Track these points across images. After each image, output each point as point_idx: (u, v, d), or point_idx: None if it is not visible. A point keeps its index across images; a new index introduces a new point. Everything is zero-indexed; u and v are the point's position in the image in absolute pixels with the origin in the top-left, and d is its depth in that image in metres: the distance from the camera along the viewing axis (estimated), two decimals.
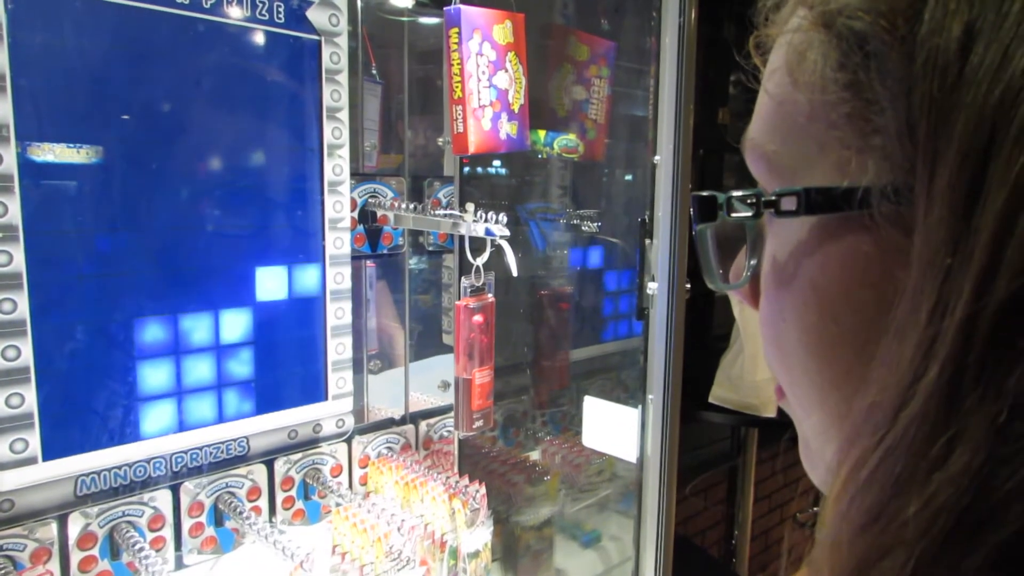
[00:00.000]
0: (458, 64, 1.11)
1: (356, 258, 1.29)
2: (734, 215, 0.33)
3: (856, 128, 0.28)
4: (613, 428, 1.19)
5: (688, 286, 1.03)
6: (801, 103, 0.30)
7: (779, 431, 3.05)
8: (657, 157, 1.01)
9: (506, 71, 1.17)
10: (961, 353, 0.22)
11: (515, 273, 1.10)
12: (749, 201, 0.32)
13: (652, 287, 1.03)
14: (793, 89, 0.31)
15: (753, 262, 0.35)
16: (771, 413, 2.05)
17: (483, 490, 1.23)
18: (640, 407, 1.10)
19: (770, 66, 0.33)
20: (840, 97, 0.28)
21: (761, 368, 2.02)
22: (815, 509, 3.00)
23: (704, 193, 0.34)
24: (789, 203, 0.30)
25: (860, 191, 0.27)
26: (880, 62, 0.26)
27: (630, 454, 1.13)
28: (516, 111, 1.20)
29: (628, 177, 1.61)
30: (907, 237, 0.26)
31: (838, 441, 0.31)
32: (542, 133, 1.36)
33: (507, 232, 1.11)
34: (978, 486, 0.22)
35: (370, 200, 1.33)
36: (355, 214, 1.29)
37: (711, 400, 2.15)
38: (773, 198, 0.31)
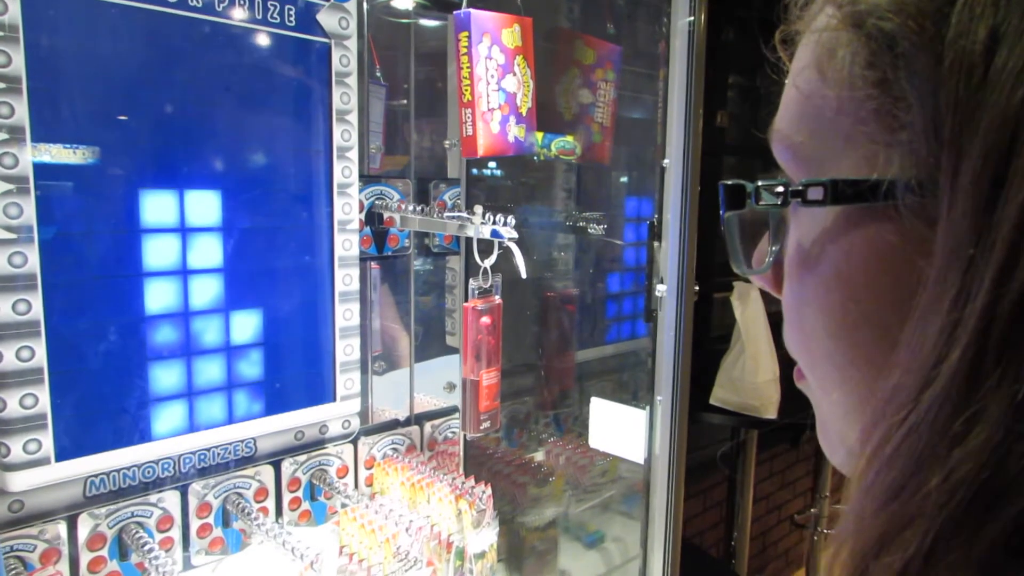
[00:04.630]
0: (468, 67, 1.11)
1: (363, 259, 1.29)
2: (762, 203, 0.34)
3: (883, 124, 0.29)
4: (620, 429, 1.19)
5: (696, 288, 1.04)
6: (829, 98, 0.31)
7: (779, 433, 3.07)
8: (666, 160, 1.02)
9: (514, 75, 1.18)
10: (982, 337, 0.24)
11: (523, 275, 1.11)
12: (777, 190, 0.33)
13: (661, 289, 1.04)
14: (822, 85, 0.32)
15: (775, 248, 0.36)
16: (771, 415, 2.06)
17: (489, 491, 1.24)
18: (648, 408, 1.11)
19: (798, 62, 0.34)
20: (868, 94, 0.29)
21: (762, 370, 2.03)
22: (813, 510, 3.01)
23: (733, 182, 0.35)
24: (816, 193, 0.31)
25: (886, 184, 0.28)
26: (908, 62, 0.27)
27: (637, 455, 1.14)
28: (524, 114, 1.21)
29: (627, 180, 1.62)
30: (930, 228, 0.27)
31: (860, 421, 0.33)
32: (540, 135, 1.37)
33: (515, 234, 1.12)
34: (996, 461, 0.23)
35: (377, 202, 1.33)
36: (362, 216, 1.30)
37: (712, 401, 2.16)
38: (800, 188, 0.32)
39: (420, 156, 1.47)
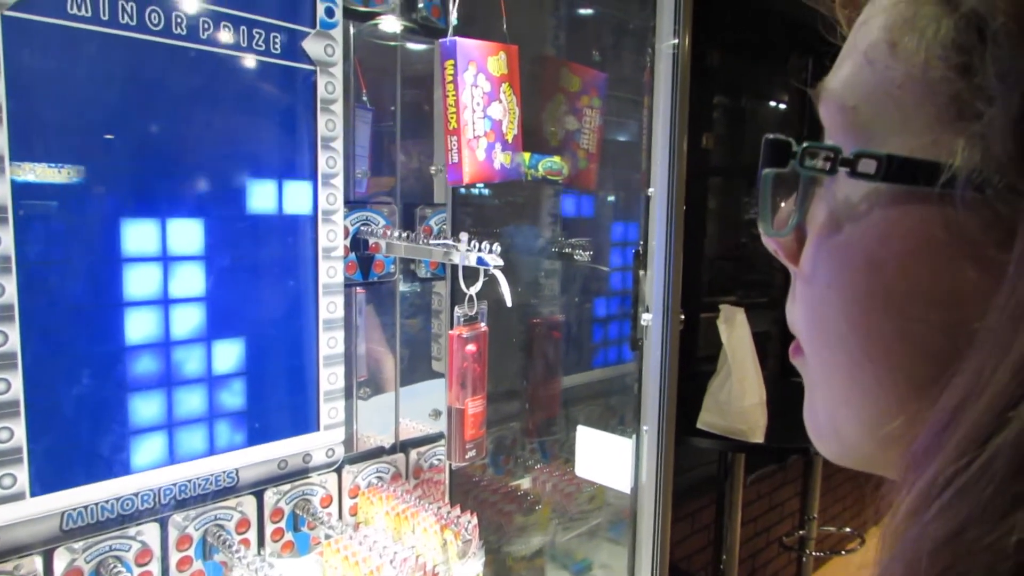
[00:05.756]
0: (453, 95, 1.11)
1: (348, 286, 1.28)
2: (807, 166, 0.32)
3: (956, 110, 0.27)
4: (606, 458, 1.19)
5: (682, 317, 1.03)
6: (896, 71, 0.29)
7: (767, 455, 3.06)
8: (651, 189, 1.02)
9: (500, 102, 1.18)
10: None
11: (509, 303, 1.11)
12: (826, 156, 0.31)
13: (646, 318, 1.04)
14: (890, 54, 0.29)
15: (798, 216, 0.34)
16: (759, 439, 2.06)
17: (475, 520, 1.22)
18: (634, 436, 1.10)
19: (866, 23, 0.32)
20: (945, 76, 0.27)
21: (748, 394, 2.03)
22: (801, 532, 3.00)
23: (778, 137, 0.33)
24: (868, 166, 0.29)
25: (948, 171, 0.26)
26: (1003, 55, 0.25)
27: (624, 484, 1.13)
28: (510, 141, 1.21)
29: (614, 204, 1.62)
30: (982, 231, 0.26)
31: (864, 415, 0.32)
32: (527, 156, 1.37)
33: (501, 262, 1.11)
34: None
35: (362, 228, 1.33)
36: (347, 242, 1.29)
37: (699, 425, 2.15)
38: (851, 157, 0.30)
39: (407, 178, 1.47)
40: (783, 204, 0.35)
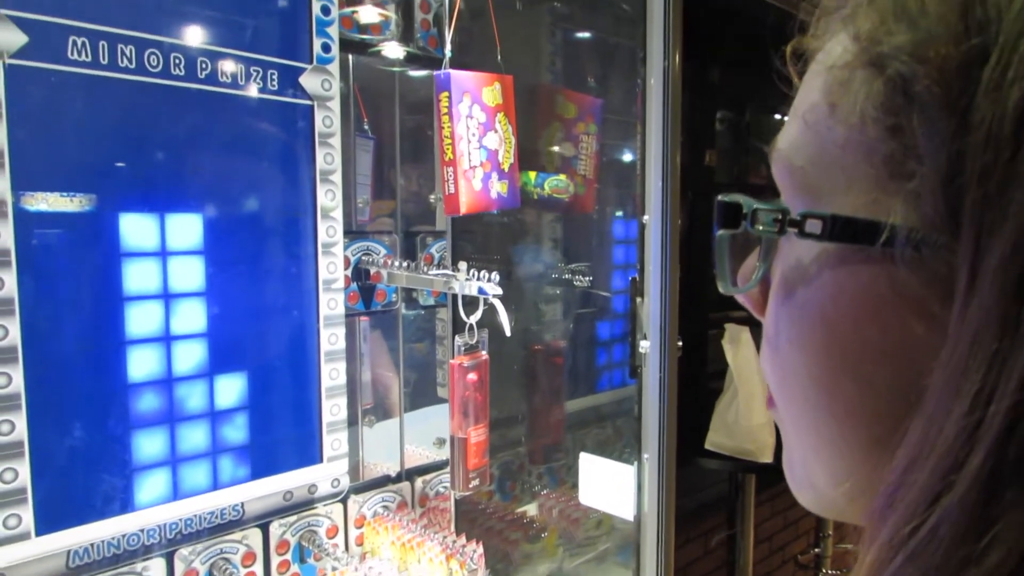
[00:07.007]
0: (448, 127, 1.13)
1: (350, 316, 1.29)
2: (757, 227, 0.33)
3: (891, 170, 0.27)
4: (609, 485, 1.18)
5: (680, 343, 1.03)
6: (837, 132, 0.30)
7: (777, 475, 3.03)
8: (646, 217, 1.02)
9: (496, 131, 1.19)
10: (1003, 445, 0.22)
11: (508, 332, 1.11)
12: (774, 217, 0.32)
13: (644, 345, 1.04)
14: (830, 117, 0.30)
15: (763, 269, 0.34)
16: (768, 459, 2.04)
17: (480, 549, 1.22)
18: (636, 464, 1.10)
19: (807, 88, 0.33)
20: (879, 137, 0.28)
21: (756, 413, 2.02)
22: (816, 550, 2.97)
23: (729, 199, 0.33)
24: (814, 226, 0.30)
25: (885, 230, 0.27)
26: (928, 116, 0.25)
27: (627, 512, 1.13)
28: (506, 170, 1.22)
29: (614, 227, 1.63)
30: (925, 287, 0.26)
31: (831, 469, 0.32)
32: (533, 175, 1.39)
33: (500, 291, 1.12)
34: None
35: (363, 258, 1.34)
36: (348, 272, 1.30)
37: (707, 446, 2.14)
38: (798, 219, 0.30)
39: (408, 203, 1.48)
40: (751, 257, 0.36)
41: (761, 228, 0.32)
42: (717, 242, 0.35)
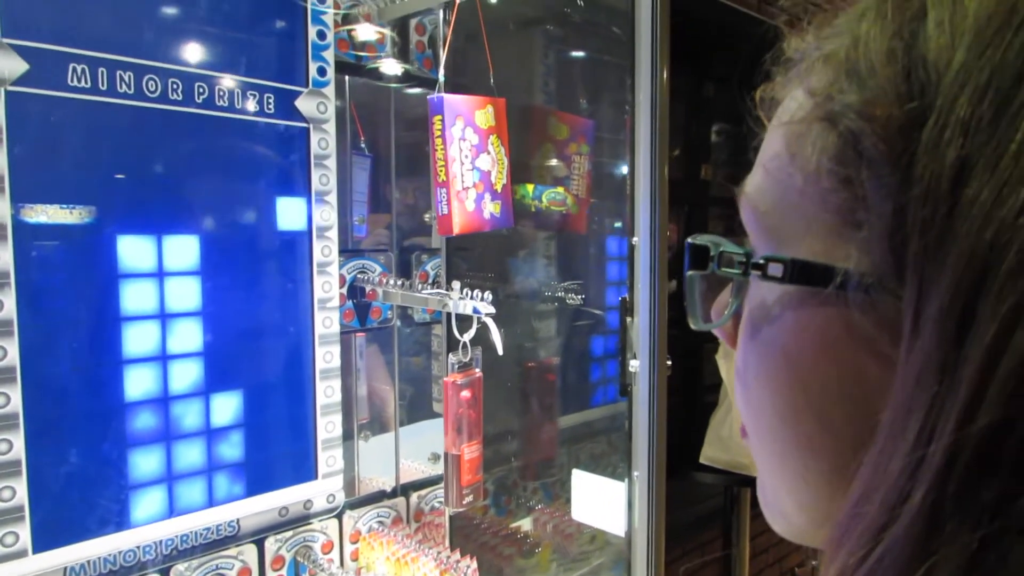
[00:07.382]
0: (441, 149, 1.15)
1: (346, 333, 1.31)
2: (723, 270, 0.35)
3: (844, 218, 0.29)
4: (601, 501, 1.20)
5: (669, 363, 1.05)
6: (796, 179, 0.31)
7: None
8: (635, 238, 1.04)
9: (488, 153, 1.21)
10: (944, 481, 0.24)
11: (500, 351, 1.13)
12: (739, 260, 0.34)
13: (634, 365, 1.06)
14: (789, 165, 0.32)
15: (735, 305, 0.36)
16: None
17: (474, 565, 1.23)
18: (627, 481, 1.12)
19: (770, 137, 0.35)
20: (832, 187, 0.29)
21: None
22: (813, 563, 2.97)
23: (699, 242, 0.35)
24: (776, 269, 0.31)
25: (839, 274, 0.29)
26: (873, 168, 0.27)
27: (618, 528, 1.14)
28: (499, 191, 1.24)
29: (608, 243, 1.64)
30: (877, 330, 0.28)
31: (799, 500, 0.34)
32: (531, 187, 1.40)
33: (492, 310, 1.13)
34: None
35: (359, 276, 1.36)
36: (344, 290, 1.32)
37: (702, 460, 2.15)
38: (761, 262, 0.32)
39: (405, 219, 1.50)
40: (724, 292, 0.38)
41: (727, 270, 0.34)
42: (688, 281, 0.37)
